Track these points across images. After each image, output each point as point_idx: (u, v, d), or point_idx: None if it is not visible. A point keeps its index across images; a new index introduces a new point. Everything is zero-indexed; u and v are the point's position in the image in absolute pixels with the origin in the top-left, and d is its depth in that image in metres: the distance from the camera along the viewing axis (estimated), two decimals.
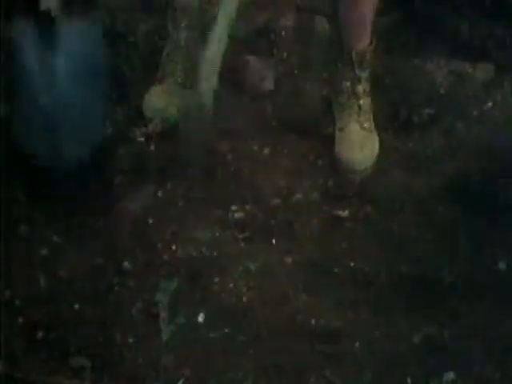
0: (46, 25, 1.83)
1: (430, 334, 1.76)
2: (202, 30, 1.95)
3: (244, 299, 1.81)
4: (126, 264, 1.84)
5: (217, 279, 1.84)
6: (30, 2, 1.85)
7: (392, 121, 2.18)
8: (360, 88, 2.06)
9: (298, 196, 2.02)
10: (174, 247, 1.88)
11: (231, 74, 2.24)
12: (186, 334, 1.72)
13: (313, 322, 1.78)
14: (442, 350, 1.74)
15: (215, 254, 1.88)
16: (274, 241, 1.92)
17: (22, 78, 1.86)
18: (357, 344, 1.75)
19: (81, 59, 1.88)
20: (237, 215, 1.96)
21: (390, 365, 1.72)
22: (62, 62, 1.85)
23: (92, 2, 2.23)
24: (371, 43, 2.03)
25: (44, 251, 1.83)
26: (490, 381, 1.70)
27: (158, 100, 2.10)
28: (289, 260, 1.89)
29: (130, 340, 1.71)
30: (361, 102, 2.06)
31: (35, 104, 1.86)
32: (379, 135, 2.09)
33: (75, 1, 1.96)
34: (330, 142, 2.08)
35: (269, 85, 2.23)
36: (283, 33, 2.33)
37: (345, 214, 1.99)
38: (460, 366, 1.71)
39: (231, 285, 1.83)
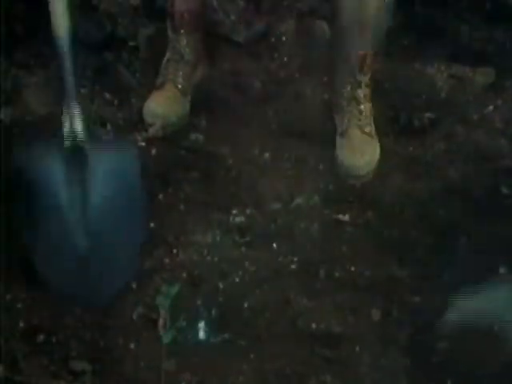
0: (72, 152, 1.76)
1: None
2: None
3: (245, 303, 1.81)
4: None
5: (218, 283, 1.84)
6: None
7: (392, 125, 2.18)
8: (360, 93, 2.06)
9: (299, 200, 2.02)
10: (175, 251, 1.88)
11: (232, 77, 2.25)
12: (186, 338, 1.72)
13: (313, 326, 1.78)
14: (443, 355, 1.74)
15: (216, 258, 1.89)
16: (274, 245, 1.92)
17: (49, 207, 1.75)
18: (357, 348, 1.74)
19: (112, 187, 1.77)
20: (238, 219, 1.96)
21: (391, 370, 1.71)
22: (92, 190, 1.76)
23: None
24: (371, 47, 2.04)
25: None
26: None
27: (158, 106, 2.10)
28: (289, 264, 1.89)
29: (131, 344, 1.72)
30: (361, 106, 2.06)
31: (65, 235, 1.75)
32: (380, 139, 2.09)
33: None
34: (330, 146, 2.09)
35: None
36: (284, 37, 2.34)
37: (345, 218, 1.99)
38: (461, 374, 1.71)
39: (232, 289, 1.83)
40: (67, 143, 1.76)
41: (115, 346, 1.71)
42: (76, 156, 1.76)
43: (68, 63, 1.73)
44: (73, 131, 1.75)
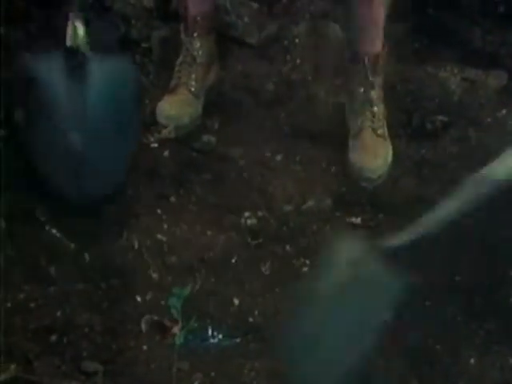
0: (73, 62, 1.82)
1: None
2: None
3: (257, 305, 1.80)
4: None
5: (229, 285, 1.84)
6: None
7: (405, 128, 2.18)
8: (373, 94, 2.06)
9: (311, 203, 2.02)
10: (187, 253, 1.88)
11: (245, 79, 2.25)
12: (198, 339, 1.72)
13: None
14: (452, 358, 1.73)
15: (228, 259, 1.88)
16: (286, 247, 1.92)
17: (49, 116, 1.82)
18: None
19: (109, 96, 1.84)
20: (249, 221, 1.96)
21: (403, 374, 1.71)
22: (90, 98, 1.83)
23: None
24: (383, 48, 2.04)
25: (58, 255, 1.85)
26: None
27: (172, 108, 2.11)
28: (301, 267, 1.89)
29: (143, 345, 1.72)
30: (374, 108, 2.06)
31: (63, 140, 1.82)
32: (392, 142, 2.09)
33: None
34: (342, 148, 2.08)
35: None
36: (296, 40, 2.34)
37: (357, 220, 1.98)
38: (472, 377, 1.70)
39: (244, 290, 1.83)
40: (69, 50, 1.81)
41: (127, 347, 1.71)
42: (77, 63, 1.81)
43: None
44: (76, 39, 1.80)
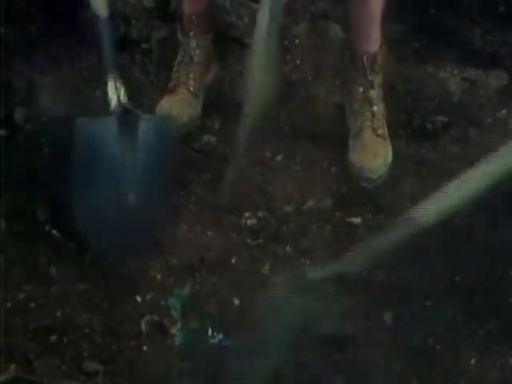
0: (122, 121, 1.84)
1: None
2: None
3: (257, 306, 1.80)
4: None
5: (230, 286, 1.84)
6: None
7: (405, 128, 2.18)
8: (373, 93, 2.06)
9: (311, 203, 2.02)
10: (187, 253, 1.88)
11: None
12: (198, 339, 1.72)
13: (325, 329, 1.77)
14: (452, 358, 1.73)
15: (228, 260, 1.88)
16: (287, 247, 1.92)
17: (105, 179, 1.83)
18: (369, 353, 1.74)
19: (159, 151, 1.88)
20: (250, 222, 1.96)
21: (403, 374, 1.71)
22: (143, 156, 1.86)
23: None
24: (381, 47, 2.04)
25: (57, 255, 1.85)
26: None
27: (171, 108, 2.11)
28: (301, 267, 1.89)
29: (143, 345, 1.72)
30: (374, 108, 2.06)
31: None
32: (392, 142, 2.09)
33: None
34: (343, 148, 2.08)
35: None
36: (296, 40, 2.34)
37: (358, 221, 1.98)
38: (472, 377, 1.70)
39: (244, 291, 1.83)
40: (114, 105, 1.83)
41: (127, 347, 1.71)
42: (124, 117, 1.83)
43: (108, 33, 1.83)
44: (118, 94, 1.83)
